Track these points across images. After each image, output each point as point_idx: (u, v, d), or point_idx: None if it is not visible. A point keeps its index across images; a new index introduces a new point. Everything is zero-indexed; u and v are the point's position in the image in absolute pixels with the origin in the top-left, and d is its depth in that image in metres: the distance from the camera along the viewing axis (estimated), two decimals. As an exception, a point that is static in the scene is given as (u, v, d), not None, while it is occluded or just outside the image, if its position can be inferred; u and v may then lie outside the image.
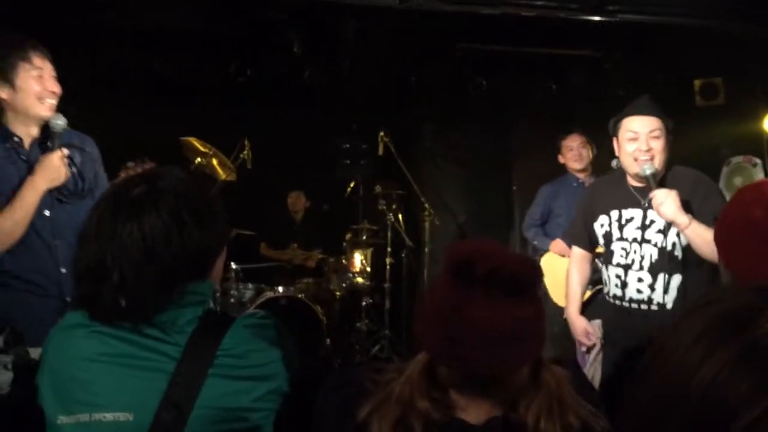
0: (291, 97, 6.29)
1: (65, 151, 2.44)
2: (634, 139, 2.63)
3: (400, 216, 5.79)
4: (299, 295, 5.07)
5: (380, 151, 5.68)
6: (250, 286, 5.21)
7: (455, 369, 1.15)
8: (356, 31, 5.17)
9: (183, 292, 1.30)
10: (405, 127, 6.54)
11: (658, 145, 2.61)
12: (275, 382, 1.32)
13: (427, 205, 5.69)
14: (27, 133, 2.42)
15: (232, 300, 5.05)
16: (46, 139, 2.44)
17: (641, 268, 2.67)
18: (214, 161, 4.78)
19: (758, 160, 5.31)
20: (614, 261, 2.75)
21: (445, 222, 6.24)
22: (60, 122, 2.42)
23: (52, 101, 2.42)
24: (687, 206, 2.52)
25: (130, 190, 1.28)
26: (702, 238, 2.41)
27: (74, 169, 2.52)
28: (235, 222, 5.27)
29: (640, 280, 2.67)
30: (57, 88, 2.43)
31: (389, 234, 5.59)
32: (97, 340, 1.29)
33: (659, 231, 2.64)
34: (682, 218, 2.45)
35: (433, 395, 1.16)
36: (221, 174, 4.85)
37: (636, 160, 2.63)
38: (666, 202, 2.48)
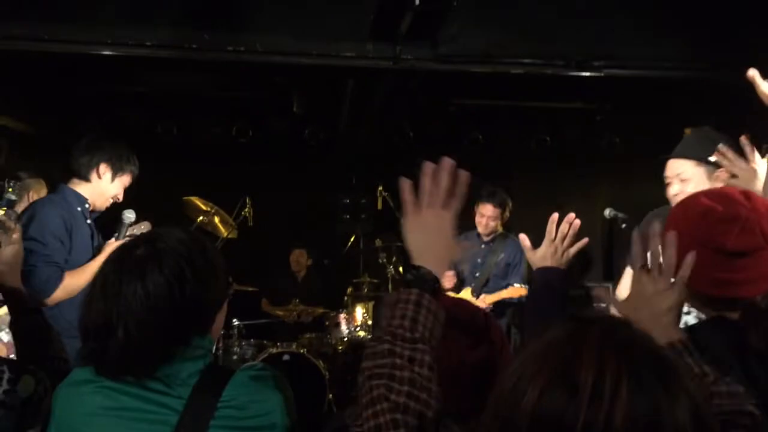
0: (291, 155, 6.44)
1: None
2: None
3: (400, 268, 5.83)
4: (301, 350, 5.07)
5: (379, 206, 5.79)
6: (252, 342, 5.22)
7: None
8: (354, 91, 5.32)
9: (185, 346, 1.36)
10: (404, 181, 6.63)
11: None
12: (275, 432, 1.36)
13: (426, 257, 5.74)
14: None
15: (235, 357, 5.06)
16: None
17: None
18: (216, 219, 4.88)
19: (751, 205, 5.37)
20: None
21: (445, 272, 6.26)
22: (131, 216, 2.75)
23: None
24: None
25: (133, 251, 1.36)
26: None
27: None
28: (236, 278, 5.34)
29: None
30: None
31: (390, 286, 5.63)
32: (103, 395, 1.34)
33: None
34: None
35: None
36: (223, 231, 4.94)
37: None
38: None
